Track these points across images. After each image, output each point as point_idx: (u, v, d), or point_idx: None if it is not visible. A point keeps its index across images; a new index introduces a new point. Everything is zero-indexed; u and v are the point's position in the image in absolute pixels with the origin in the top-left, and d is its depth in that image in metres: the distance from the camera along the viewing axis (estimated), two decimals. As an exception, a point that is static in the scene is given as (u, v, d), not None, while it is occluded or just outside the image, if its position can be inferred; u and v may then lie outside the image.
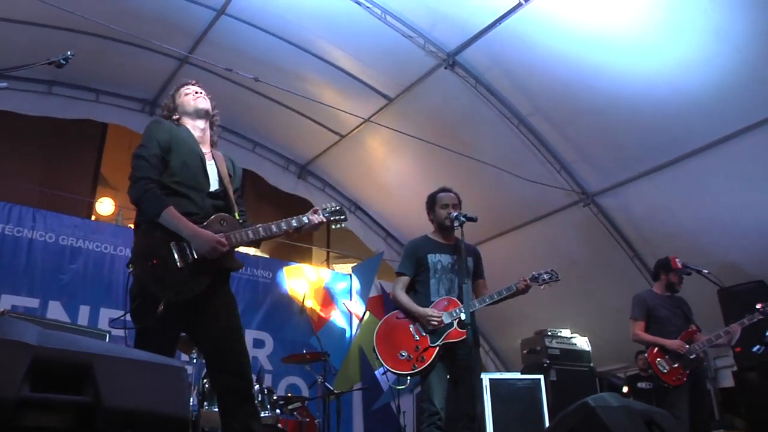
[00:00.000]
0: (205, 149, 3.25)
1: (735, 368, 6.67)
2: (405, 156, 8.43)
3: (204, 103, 3.33)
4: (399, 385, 7.33)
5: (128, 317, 2.88)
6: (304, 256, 10.73)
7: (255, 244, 3.40)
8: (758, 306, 5.20)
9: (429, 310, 4.16)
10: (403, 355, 4.09)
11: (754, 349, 5.35)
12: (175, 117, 3.30)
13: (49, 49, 3.39)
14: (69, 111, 7.92)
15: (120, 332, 6.94)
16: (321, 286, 9.05)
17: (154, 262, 2.84)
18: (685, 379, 5.17)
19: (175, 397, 1.80)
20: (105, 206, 9.63)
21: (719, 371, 7.35)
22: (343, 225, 3.45)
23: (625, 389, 7.76)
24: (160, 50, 7.11)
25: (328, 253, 11.12)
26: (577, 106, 6.76)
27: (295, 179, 9.48)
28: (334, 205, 3.45)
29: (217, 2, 6.75)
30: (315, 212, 3.30)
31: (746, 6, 5.29)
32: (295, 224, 3.20)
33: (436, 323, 4.10)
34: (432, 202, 4.53)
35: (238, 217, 3.15)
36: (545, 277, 4.36)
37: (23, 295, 6.70)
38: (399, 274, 4.44)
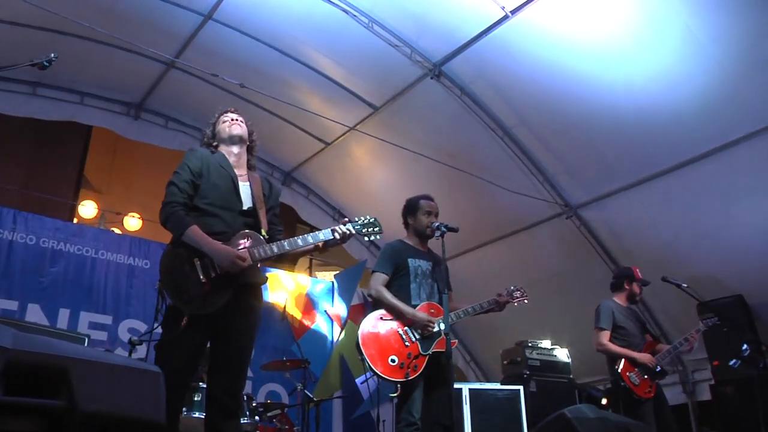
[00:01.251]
0: (240, 172, 3.40)
1: (712, 382, 6.73)
2: (390, 165, 8.45)
3: (238, 129, 3.47)
4: (390, 394, 7.29)
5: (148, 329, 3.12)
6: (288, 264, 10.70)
7: (287, 261, 3.49)
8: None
9: (427, 315, 4.09)
10: (394, 362, 3.97)
11: (731, 362, 5.38)
12: (213, 144, 3.46)
13: (33, 50, 3.39)
14: (53, 113, 7.84)
15: (100, 336, 6.95)
16: (303, 294, 9.03)
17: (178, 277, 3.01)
18: (653, 392, 5.19)
19: (151, 402, 1.79)
20: (88, 209, 9.57)
21: (697, 384, 7.41)
22: (378, 237, 3.48)
23: (604, 401, 7.80)
24: (147, 54, 7.09)
25: (311, 260, 11.12)
26: (561, 118, 6.82)
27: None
28: (368, 217, 3.47)
29: (204, 7, 6.74)
30: (344, 223, 3.33)
31: (726, 24, 5.37)
32: (321, 237, 3.26)
33: (432, 329, 4.05)
34: (414, 208, 4.47)
35: (265, 234, 3.25)
36: (517, 294, 4.42)
37: (1, 297, 6.61)
38: (377, 272, 4.29)
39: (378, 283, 4.24)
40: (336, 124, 7.72)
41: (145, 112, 8.44)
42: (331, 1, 6.45)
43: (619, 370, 5.16)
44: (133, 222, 9.64)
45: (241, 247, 3.12)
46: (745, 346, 5.28)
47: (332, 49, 7.17)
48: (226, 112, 3.56)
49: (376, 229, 3.44)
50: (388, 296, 4.17)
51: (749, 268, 6.54)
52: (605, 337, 5.34)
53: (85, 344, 5.24)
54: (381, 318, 4.15)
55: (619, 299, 5.62)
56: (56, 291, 6.96)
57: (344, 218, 3.39)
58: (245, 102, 7.85)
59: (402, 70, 7.15)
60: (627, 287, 5.62)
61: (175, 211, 3.09)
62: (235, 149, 3.44)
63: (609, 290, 5.78)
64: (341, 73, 7.47)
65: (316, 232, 3.27)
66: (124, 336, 6.96)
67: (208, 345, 3.20)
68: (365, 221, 3.43)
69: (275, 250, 3.16)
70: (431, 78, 7.04)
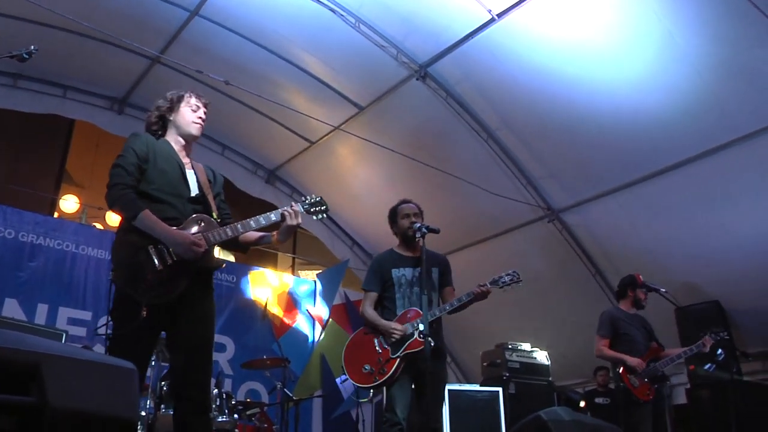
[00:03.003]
0: (185, 160, 3.27)
1: (688, 386, 6.81)
2: (374, 165, 8.46)
3: (200, 131, 3.31)
4: (361, 398, 7.33)
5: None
6: (269, 261, 10.69)
7: (238, 247, 3.33)
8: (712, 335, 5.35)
9: (391, 324, 4.16)
10: (366, 369, 4.09)
11: (706, 367, 5.46)
12: (158, 129, 3.28)
13: (15, 42, 3.35)
14: (35, 105, 7.78)
15: (79, 332, 6.87)
16: (285, 292, 9.00)
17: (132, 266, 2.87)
18: (652, 395, 5.25)
19: (124, 398, 1.77)
20: (69, 204, 9.49)
21: (674, 388, 7.48)
22: (325, 216, 3.43)
23: (582, 404, 7.87)
24: (132, 49, 7.04)
25: (293, 259, 11.10)
26: (545, 121, 6.86)
27: (263, 184, 9.45)
28: (313, 196, 3.43)
29: (191, 3, 6.72)
30: (293, 205, 3.28)
31: (707, 34, 5.44)
32: (273, 218, 3.19)
33: (398, 336, 4.10)
34: (394, 215, 4.51)
35: (216, 218, 3.15)
36: (506, 279, 4.35)
37: (-22, 291, 6.54)
38: (366, 291, 4.42)
39: (366, 302, 4.37)
40: (321, 124, 7.72)
41: (129, 107, 8.40)
42: (319, 0, 6.45)
43: (620, 372, 5.26)
44: (115, 217, 9.54)
45: (195, 231, 3.01)
46: (720, 351, 5.34)
47: (318, 48, 7.17)
48: (192, 95, 3.32)
49: (322, 208, 3.39)
50: (368, 313, 4.30)
51: (727, 275, 6.63)
52: (602, 343, 5.46)
53: (63, 340, 5.19)
54: (364, 333, 4.30)
55: (624, 306, 5.66)
56: (35, 286, 6.89)
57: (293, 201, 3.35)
58: (230, 99, 7.84)
59: (388, 71, 7.16)
60: (631, 294, 5.66)
61: (125, 193, 2.94)
62: (184, 142, 3.29)
63: (590, 294, 5.83)
64: (327, 72, 7.47)
65: (267, 213, 3.20)
66: (102, 332, 6.88)
67: (163, 336, 3.10)
68: (312, 200, 3.38)
69: (229, 233, 3.08)
70: (417, 79, 7.06)
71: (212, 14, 6.87)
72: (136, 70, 7.87)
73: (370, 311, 4.31)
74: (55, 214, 8.97)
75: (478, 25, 6.26)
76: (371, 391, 4.16)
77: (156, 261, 2.88)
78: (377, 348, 4.15)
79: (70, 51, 7.36)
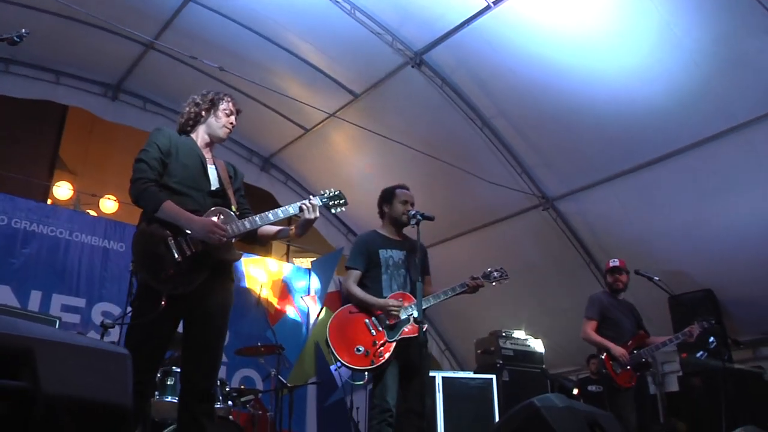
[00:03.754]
0: (207, 155, 3.35)
1: (680, 373, 6.85)
2: (369, 153, 8.44)
3: (228, 136, 3.45)
4: (356, 381, 7.34)
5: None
6: (263, 248, 10.66)
7: (256, 241, 3.41)
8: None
9: (390, 300, 4.12)
10: (360, 350, 4.01)
11: (698, 354, 5.51)
12: (194, 122, 3.36)
13: (6, 27, 3.31)
14: (28, 91, 7.71)
15: (73, 319, 6.86)
16: (279, 279, 9.01)
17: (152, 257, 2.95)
18: (634, 382, 5.29)
19: (118, 384, 1.77)
20: (62, 190, 9.44)
21: (666, 376, 7.54)
22: (343, 210, 3.50)
23: (575, 391, 7.91)
24: (126, 34, 7.00)
25: (288, 246, 11.09)
26: (540, 110, 6.85)
27: (258, 171, 9.42)
28: (332, 189, 3.47)
29: (185, -12, 6.67)
30: (311, 198, 3.36)
31: (704, 23, 5.43)
32: (291, 211, 3.26)
33: (396, 312, 4.07)
34: (390, 196, 4.47)
35: (235, 211, 3.23)
36: (495, 274, 4.36)
37: (-29, 278, 6.53)
38: (350, 268, 4.35)
39: (350, 280, 4.30)
40: (316, 111, 7.69)
41: (123, 93, 8.34)
42: (313, -13, 6.41)
43: (603, 358, 5.29)
44: (109, 204, 9.54)
45: None
46: (711, 339, 5.38)
47: (313, 35, 7.13)
48: (230, 101, 3.43)
49: (341, 201, 3.46)
50: (356, 291, 4.23)
51: (719, 264, 6.65)
52: (589, 326, 5.50)
53: (56, 327, 5.18)
54: (350, 312, 4.21)
55: (608, 292, 5.75)
56: (28, 273, 6.87)
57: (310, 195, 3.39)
58: (224, 86, 7.77)
59: (383, 58, 7.13)
60: (608, 280, 5.75)
61: (147, 186, 3.01)
62: (209, 140, 3.40)
63: (584, 282, 5.86)
64: (322, 59, 7.43)
65: (285, 207, 3.26)
66: (97, 319, 6.88)
67: (180, 328, 3.15)
68: (331, 194, 3.44)
69: (248, 225, 3.14)
70: (412, 66, 7.03)
71: (206, 0, 6.81)
72: (130, 56, 7.81)
73: (357, 289, 4.25)
74: (49, 201, 8.93)
75: (473, 13, 6.22)
76: (365, 374, 4.10)
77: (175, 252, 2.95)
78: (371, 329, 4.09)
79: (63, 36, 7.29)
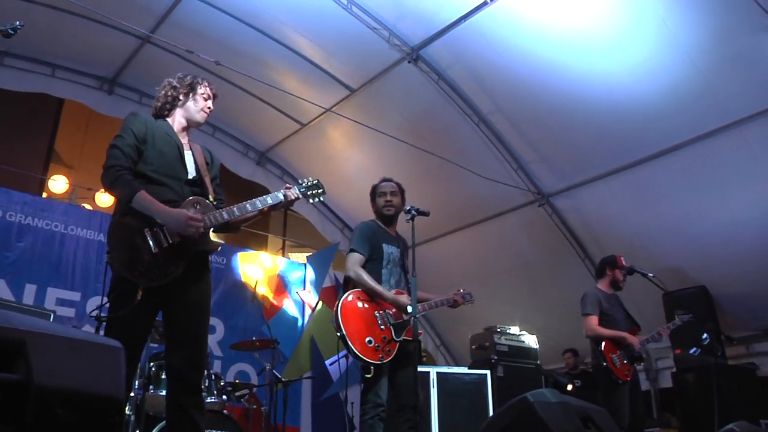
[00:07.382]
0: (183, 140, 3.27)
1: (674, 369, 6.88)
2: (365, 148, 8.44)
3: (205, 120, 3.39)
4: (367, 375, 7.30)
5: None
6: (259, 243, 10.67)
7: (229, 229, 3.31)
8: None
9: (402, 297, 4.10)
10: (371, 343, 3.96)
11: (692, 351, 5.49)
12: (171, 107, 3.29)
13: (1, 20, 3.30)
14: (23, 84, 7.67)
15: (68, 313, 6.84)
16: (275, 274, 9.01)
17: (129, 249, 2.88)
18: (631, 375, 5.28)
19: (110, 377, 1.77)
20: (58, 184, 9.43)
21: (659, 372, 7.57)
22: (321, 199, 3.46)
23: (569, 387, 7.94)
24: (122, 28, 6.96)
25: (284, 241, 11.10)
26: (536, 106, 6.85)
27: (253, 166, 9.41)
28: (311, 179, 3.43)
29: (181, -18, 6.65)
30: (288, 188, 3.30)
31: (699, 21, 5.44)
32: (270, 201, 3.21)
33: (405, 310, 4.06)
34: (373, 192, 4.49)
35: (212, 200, 3.16)
36: (468, 297, 4.57)
37: (-35, 271, 6.51)
38: (355, 251, 4.23)
39: (356, 264, 4.19)
40: (312, 106, 7.67)
41: (119, 87, 8.32)
42: (310, -19, 6.40)
43: (602, 350, 5.19)
44: (104, 198, 9.51)
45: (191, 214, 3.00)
46: (705, 335, 5.39)
47: (310, 30, 7.11)
48: (208, 85, 3.36)
49: (319, 191, 3.43)
50: (367, 278, 4.14)
51: (713, 261, 6.69)
52: (594, 321, 5.33)
53: (50, 320, 5.17)
54: (359, 298, 4.13)
55: (603, 286, 5.61)
56: (23, 266, 6.86)
57: (287, 184, 3.35)
58: (220, 80, 7.76)
59: (380, 53, 7.12)
60: (609, 273, 5.60)
61: (121, 174, 2.91)
62: (186, 124, 3.32)
63: (579, 278, 5.83)
64: (319, 54, 7.42)
65: (264, 197, 3.21)
66: (97, 314, 6.86)
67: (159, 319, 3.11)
68: (309, 183, 3.40)
69: (225, 216, 3.08)
70: (409, 62, 7.03)
71: (203, -7, 6.80)
72: (126, 49, 7.78)
73: (367, 276, 4.14)
74: (44, 195, 8.92)
75: (470, 9, 6.22)
76: (371, 368, 4.04)
77: (152, 244, 2.89)
78: (380, 324, 4.05)
79: (59, 29, 7.26)
